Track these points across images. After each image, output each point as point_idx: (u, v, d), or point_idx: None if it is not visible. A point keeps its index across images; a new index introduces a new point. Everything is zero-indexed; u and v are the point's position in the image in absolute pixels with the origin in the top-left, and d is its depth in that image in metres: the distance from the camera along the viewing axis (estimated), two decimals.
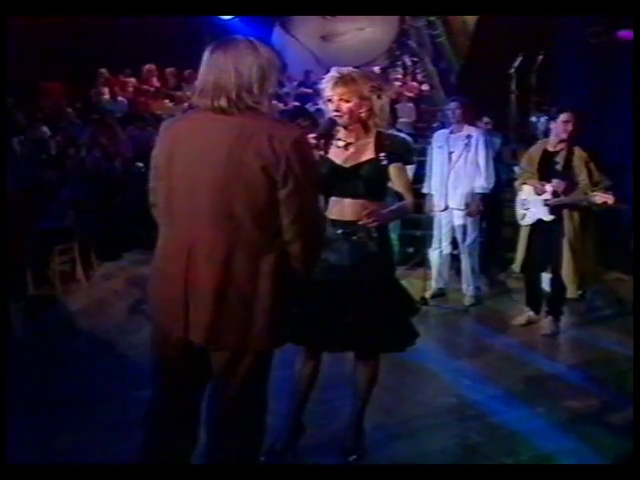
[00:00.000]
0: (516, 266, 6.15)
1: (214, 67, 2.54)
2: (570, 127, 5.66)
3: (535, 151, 5.99)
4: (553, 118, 5.91)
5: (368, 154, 3.54)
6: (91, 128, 9.97)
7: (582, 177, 5.60)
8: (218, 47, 2.56)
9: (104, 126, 9.93)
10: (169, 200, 2.64)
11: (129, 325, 5.98)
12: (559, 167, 5.71)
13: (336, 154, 3.57)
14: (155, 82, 13.61)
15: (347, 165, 3.54)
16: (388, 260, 3.72)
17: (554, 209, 5.69)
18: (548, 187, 5.69)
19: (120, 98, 12.62)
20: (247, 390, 2.67)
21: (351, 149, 3.56)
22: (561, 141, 5.74)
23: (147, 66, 13.56)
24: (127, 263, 8.26)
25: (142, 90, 13.15)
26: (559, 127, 5.72)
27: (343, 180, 3.53)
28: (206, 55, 2.58)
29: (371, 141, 3.56)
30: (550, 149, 5.82)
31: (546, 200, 5.71)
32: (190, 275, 2.56)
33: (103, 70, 12.93)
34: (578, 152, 5.73)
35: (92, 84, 12.70)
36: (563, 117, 5.70)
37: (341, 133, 3.56)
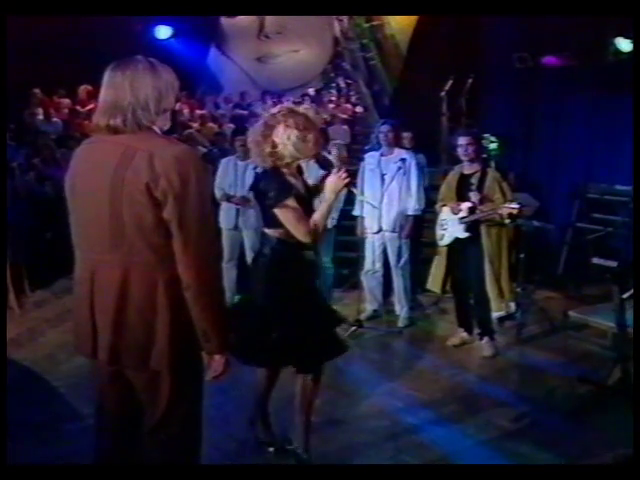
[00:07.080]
0: (435, 287, 6.27)
1: (112, 87, 2.55)
2: (470, 149, 5.87)
3: (453, 176, 6.17)
4: (454, 143, 6.07)
5: None
6: (25, 150, 9.80)
7: (497, 196, 5.80)
8: (117, 67, 2.57)
9: (38, 148, 9.78)
10: (76, 225, 2.70)
11: (61, 354, 5.89)
12: (474, 188, 5.91)
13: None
14: (90, 103, 13.47)
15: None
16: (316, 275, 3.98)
17: (470, 227, 5.86)
18: (463, 206, 5.87)
19: (54, 119, 12.45)
20: (171, 412, 2.67)
21: None
22: (470, 162, 5.93)
23: (83, 87, 13.42)
24: (60, 290, 8.11)
25: (77, 111, 13.00)
26: (459, 150, 5.93)
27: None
28: (105, 75, 2.59)
29: None
30: (466, 172, 6.01)
31: (462, 218, 5.87)
32: (95, 297, 2.62)
33: (37, 90, 12.74)
34: (491, 173, 5.99)
35: (26, 105, 12.51)
36: (461, 140, 5.91)
37: None
